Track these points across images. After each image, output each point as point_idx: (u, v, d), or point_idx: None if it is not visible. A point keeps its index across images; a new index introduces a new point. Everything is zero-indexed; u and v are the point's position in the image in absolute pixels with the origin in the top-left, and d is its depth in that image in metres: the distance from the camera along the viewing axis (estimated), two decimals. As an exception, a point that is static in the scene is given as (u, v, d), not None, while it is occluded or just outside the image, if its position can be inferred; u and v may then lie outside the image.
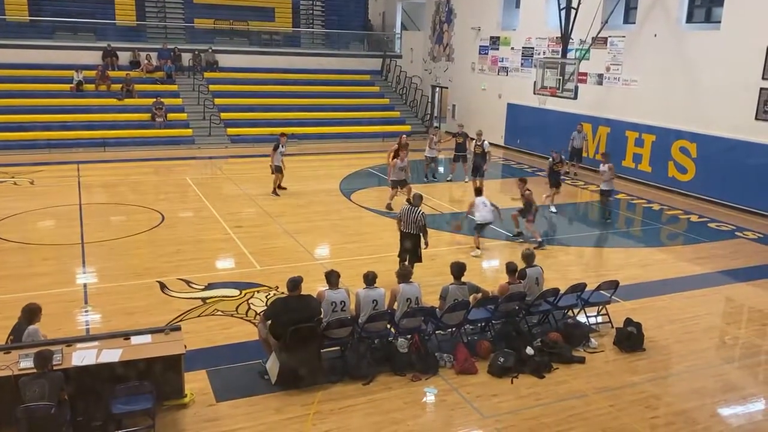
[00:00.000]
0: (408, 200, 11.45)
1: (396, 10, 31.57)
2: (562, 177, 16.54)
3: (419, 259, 10.54)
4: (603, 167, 15.06)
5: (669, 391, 7.74)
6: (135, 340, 6.96)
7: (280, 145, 16.15)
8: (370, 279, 8.13)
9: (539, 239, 12.97)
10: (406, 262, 10.08)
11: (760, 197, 15.83)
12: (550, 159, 15.64)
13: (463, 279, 8.56)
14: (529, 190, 13.14)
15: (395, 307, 8.26)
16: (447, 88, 29.15)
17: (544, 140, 22.78)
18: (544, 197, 15.51)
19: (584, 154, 20.26)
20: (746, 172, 16.06)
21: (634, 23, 19.61)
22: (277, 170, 16.24)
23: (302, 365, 7.42)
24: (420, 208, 10.57)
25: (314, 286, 8.93)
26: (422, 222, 10.47)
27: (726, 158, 16.53)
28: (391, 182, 15.38)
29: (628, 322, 8.92)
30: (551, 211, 15.68)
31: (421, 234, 10.55)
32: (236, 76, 26.95)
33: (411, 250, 10.54)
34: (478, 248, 12.55)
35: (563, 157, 16.56)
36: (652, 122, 18.73)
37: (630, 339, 8.65)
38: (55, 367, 6.16)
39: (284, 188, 16.48)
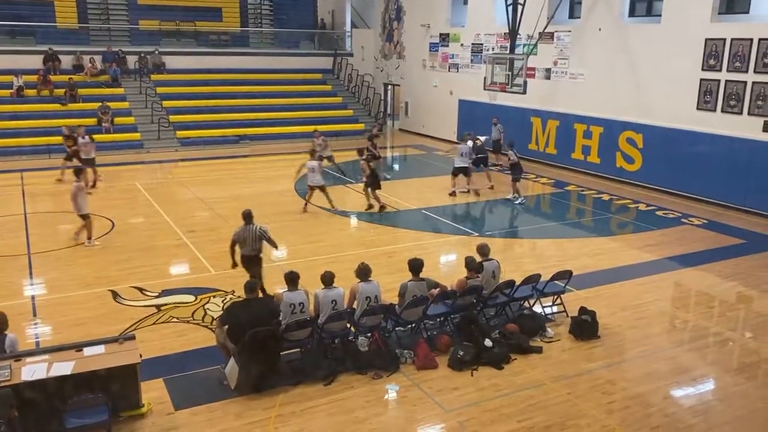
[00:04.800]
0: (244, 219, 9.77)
1: (345, 9, 31.52)
2: (490, 167, 18.65)
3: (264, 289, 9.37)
4: (464, 146, 16.93)
5: (624, 376, 7.94)
6: (88, 351, 6.77)
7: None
8: (328, 279, 8.10)
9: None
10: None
11: (703, 184, 16.39)
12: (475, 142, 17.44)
13: (420, 275, 8.60)
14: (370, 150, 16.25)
15: (355, 305, 8.25)
16: (399, 85, 29.25)
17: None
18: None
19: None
20: (690, 161, 16.60)
21: (579, 18, 20.03)
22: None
23: (262, 369, 7.35)
24: (254, 225, 9.50)
25: (272, 289, 8.84)
26: (265, 236, 9.52)
27: (670, 148, 17.06)
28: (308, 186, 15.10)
29: (583, 310, 9.12)
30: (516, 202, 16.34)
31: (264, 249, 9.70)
32: (184, 77, 26.49)
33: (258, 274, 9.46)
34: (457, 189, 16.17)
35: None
36: (599, 114, 19.17)
37: (585, 327, 8.85)
38: (2, 384, 5.94)
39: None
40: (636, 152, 18.13)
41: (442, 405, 7.21)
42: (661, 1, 17.37)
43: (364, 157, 15.25)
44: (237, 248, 9.57)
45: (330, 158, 18.51)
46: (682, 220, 15.04)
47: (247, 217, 9.59)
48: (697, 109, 16.49)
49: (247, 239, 9.47)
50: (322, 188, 14.94)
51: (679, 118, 16.87)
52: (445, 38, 25.78)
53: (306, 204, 15.09)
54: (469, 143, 17.18)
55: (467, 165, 16.76)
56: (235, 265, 9.63)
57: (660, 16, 17.42)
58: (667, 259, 12.32)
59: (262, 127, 24.94)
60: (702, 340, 9.07)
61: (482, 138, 18.37)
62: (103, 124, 22.65)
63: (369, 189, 15.07)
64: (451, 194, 16.77)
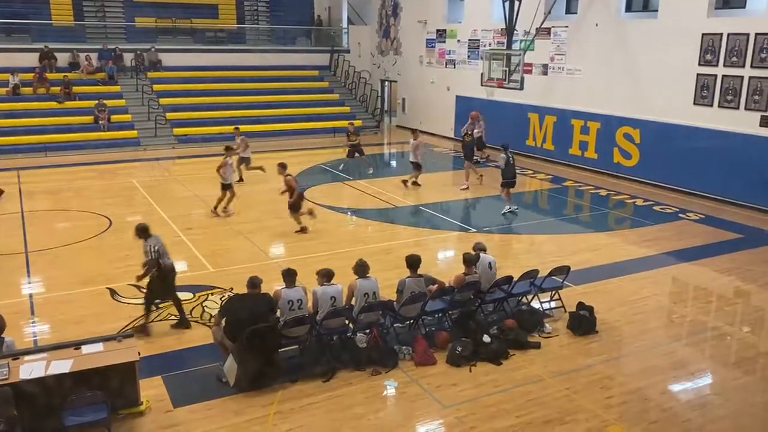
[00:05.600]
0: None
1: (342, 5, 31.44)
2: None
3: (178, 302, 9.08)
4: (413, 141, 16.91)
5: (622, 372, 7.96)
6: (86, 349, 6.76)
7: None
8: (327, 275, 8.10)
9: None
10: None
11: (700, 179, 16.41)
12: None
13: (419, 271, 8.61)
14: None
15: (353, 302, 8.25)
16: (396, 81, 29.22)
17: (493, 131, 23.06)
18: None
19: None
20: (687, 156, 16.61)
21: (576, 13, 20.01)
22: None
23: (260, 365, 7.35)
24: (151, 239, 8.85)
25: (271, 286, 8.83)
26: (155, 255, 8.70)
27: (667, 142, 17.07)
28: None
29: (581, 306, 9.14)
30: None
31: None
32: (181, 75, 26.43)
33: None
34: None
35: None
36: (596, 110, 19.16)
37: (583, 322, 8.86)
38: (1, 383, 5.93)
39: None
40: (633, 147, 18.14)
41: (441, 401, 7.22)
42: (658, -4, 17.39)
43: (287, 173, 13.46)
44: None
45: (357, 151, 19.03)
46: (680, 215, 15.06)
47: (143, 231, 8.84)
48: (694, 104, 16.49)
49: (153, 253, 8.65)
50: (228, 187, 14.36)
51: (676, 113, 16.88)
52: (441, 34, 25.75)
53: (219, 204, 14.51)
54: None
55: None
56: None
57: (656, 11, 17.42)
58: (664, 254, 12.34)
59: (259, 124, 24.89)
60: (700, 334, 9.09)
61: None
62: (100, 122, 22.60)
63: (293, 210, 13.36)
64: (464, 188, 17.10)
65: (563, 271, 9.57)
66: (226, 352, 7.53)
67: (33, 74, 23.48)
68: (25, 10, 26.25)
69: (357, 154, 19.17)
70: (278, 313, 7.70)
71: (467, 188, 16.96)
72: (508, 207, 14.89)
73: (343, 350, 8.02)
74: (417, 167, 17.21)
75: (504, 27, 20.59)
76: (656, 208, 15.70)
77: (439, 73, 26.14)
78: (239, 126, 18.85)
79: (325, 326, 8.04)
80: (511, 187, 14.90)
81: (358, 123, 20.49)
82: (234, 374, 7.32)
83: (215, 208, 14.46)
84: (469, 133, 18.10)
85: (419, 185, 17.18)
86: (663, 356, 8.33)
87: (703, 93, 16.30)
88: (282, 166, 13.50)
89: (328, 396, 7.30)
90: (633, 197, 16.68)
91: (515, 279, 9.24)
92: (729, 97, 15.71)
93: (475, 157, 18.60)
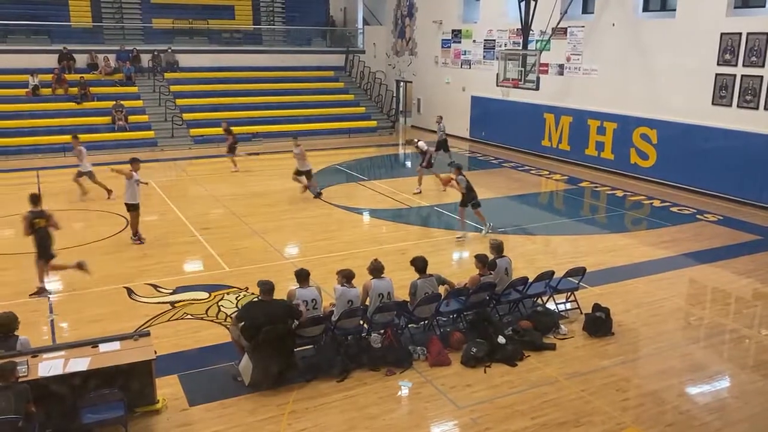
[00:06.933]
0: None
1: (357, 6, 31.51)
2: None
3: None
4: (296, 149, 15.89)
5: (638, 373, 7.90)
6: (103, 347, 6.83)
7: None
8: (347, 277, 8.11)
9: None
10: None
11: (719, 180, 16.23)
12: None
13: (428, 272, 8.60)
14: None
15: (367, 302, 8.26)
16: (411, 82, 29.21)
17: (509, 132, 23.02)
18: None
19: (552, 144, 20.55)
20: (705, 156, 16.44)
21: (593, 13, 19.88)
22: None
23: (275, 365, 7.38)
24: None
25: (285, 285, 8.88)
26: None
27: (685, 143, 16.91)
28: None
29: (597, 307, 9.08)
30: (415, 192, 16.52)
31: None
32: (197, 75, 26.60)
33: None
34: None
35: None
36: (613, 110, 19.03)
37: (599, 324, 8.80)
38: (20, 379, 6.01)
39: None
40: (650, 148, 17.98)
41: (455, 402, 7.20)
42: (676, -4, 17.24)
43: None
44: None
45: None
46: (697, 216, 14.90)
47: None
48: (713, 104, 16.31)
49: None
50: (89, 174, 15.31)
51: (694, 113, 16.71)
52: (457, 34, 25.70)
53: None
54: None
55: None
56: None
57: (674, 10, 17.25)
58: (681, 255, 12.22)
59: (275, 125, 25.00)
60: (717, 337, 8.99)
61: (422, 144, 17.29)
62: (117, 123, 22.82)
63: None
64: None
65: (579, 272, 9.51)
66: (241, 351, 7.57)
67: (52, 75, 23.78)
68: (45, 12, 26.58)
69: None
70: (294, 318, 7.68)
71: (419, 192, 16.62)
72: (488, 226, 13.33)
73: (358, 350, 8.03)
74: (308, 174, 15.94)
75: (520, 27, 20.52)
76: (673, 209, 15.55)
77: (454, 74, 26.09)
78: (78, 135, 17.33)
79: (340, 326, 8.06)
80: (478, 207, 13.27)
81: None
82: (249, 373, 7.36)
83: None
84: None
85: (321, 194, 16.14)
86: (680, 358, 8.25)
87: (721, 93, 16.13)
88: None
89: (342, 396, 7.31)
90: (650, 198, 16.54)
91: (530, 280, 9.21)
92: (748, 98, 15.52)
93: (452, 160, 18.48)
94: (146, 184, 12.65)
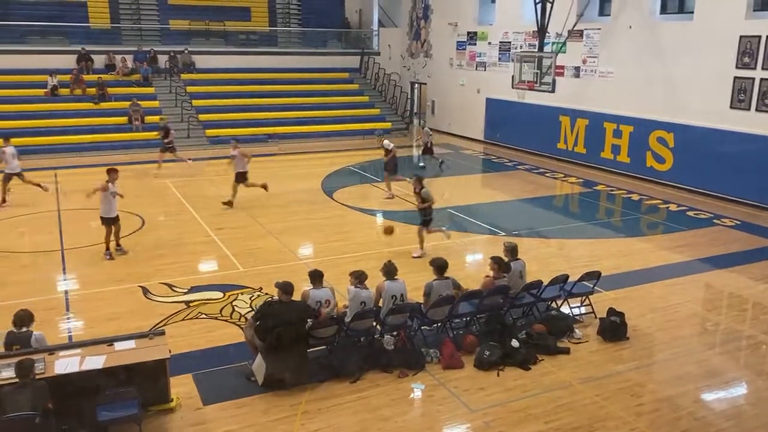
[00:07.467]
0: None
1: (372, 7, 31.53)
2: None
3: None
4: (233, 151, 15.43)
5: (653, 379, 7.84)
6: (118, 346, 6.89)
7: None
8: (359, 278, 8.11)
9: None
10: None
11: (736, 185, 16.07)
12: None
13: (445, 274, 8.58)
14: None
15: (380, 304, 8.27)
16: (426, 84, 29.19)
17: (524, 134, 22.94)
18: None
19: (563, 147, 20.46)
20: (722, 160, 16.28)
21: (609, 15, 19.76)
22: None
23: (289, 365, 7.40)
24: None
25: (299, 286, 8.90)
26: None
27: (702, 147, 16.75)
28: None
29: (611, 311, 9.01)
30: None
31: None
32: (214, 77, 26.76)
33: None
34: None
35: None
36: (629, 113, 18.90)
37: (613, 328, 8.74)
38: (38, 376, 6.08)
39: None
40: (667, 152, 17.84)
41: (468, 405, 7.19)
42: (694, -2, 17.09)
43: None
44: None
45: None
46: (714, 220, 14.76)
47: None
48: (731, 107, 16.15)
49: None
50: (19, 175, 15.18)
51: (712, 117, 16.54)
52: (472, 36, 25.65)
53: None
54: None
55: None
56: None
57: (692, 12, 17.11)
58: (698, 260, 12.11)
59: (290, 126, 25.09)
60: (734, 343, 8.90)
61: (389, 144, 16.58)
62: (134, 123, 23.02)
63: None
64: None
65: (594, 276, 9.45)
66: (255, 351, 7.60)
67: (70, 76, 24.04)
68: (63, 13, 26.88)
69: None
70: (309, 319, 7.70)
71: (392, 197, 16.30)
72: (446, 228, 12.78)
73: (371, 352, 8.04)
74: (242, 177, 15.45)
75: (536, 29, 20.45)
76: (690, 213, 15.41)
77: (469, 76, 26.04)
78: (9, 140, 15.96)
79: (353, 328, 8.08)
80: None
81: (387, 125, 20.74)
82: (263, 373, 7.39)
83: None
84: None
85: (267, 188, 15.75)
86: (695, 364, 8.17)
87: (740, 97, 15.96)
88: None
89: (355, 397, 7.32)
90: (666, 202, 16.40)
91: (545, 283, 9.16)
92: (767, 101, 15.35)
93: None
94: (122, 197, 11.79)
